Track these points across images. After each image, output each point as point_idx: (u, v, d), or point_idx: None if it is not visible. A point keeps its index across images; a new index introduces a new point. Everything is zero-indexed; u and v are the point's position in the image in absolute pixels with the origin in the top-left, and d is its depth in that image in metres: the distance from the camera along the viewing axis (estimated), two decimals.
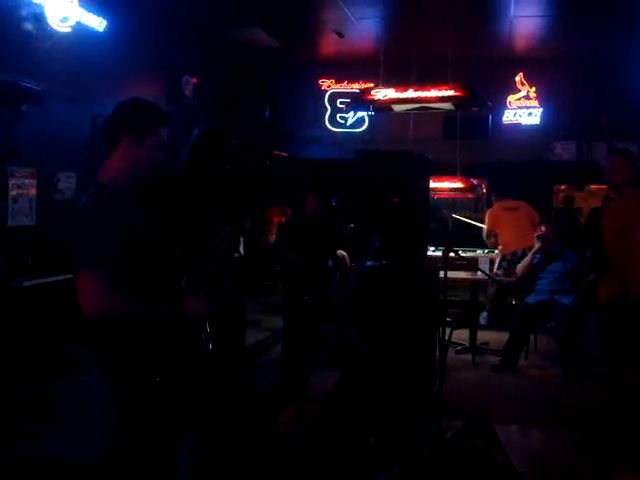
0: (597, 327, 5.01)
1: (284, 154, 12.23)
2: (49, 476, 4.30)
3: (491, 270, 8.91)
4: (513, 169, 11.96)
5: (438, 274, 5.99)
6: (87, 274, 2.54)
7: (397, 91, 8.88)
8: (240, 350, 3.53)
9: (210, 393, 2.86)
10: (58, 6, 7.13)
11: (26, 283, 6.27)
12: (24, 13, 6.94)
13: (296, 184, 6.27)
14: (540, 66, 11.90)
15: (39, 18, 7.03)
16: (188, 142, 3.53)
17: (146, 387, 2.67)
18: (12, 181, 6.84)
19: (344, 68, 12.83)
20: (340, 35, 10.90)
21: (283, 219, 5.93)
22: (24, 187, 6.95)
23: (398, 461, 3.86)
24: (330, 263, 4.75)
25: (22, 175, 6.92)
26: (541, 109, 12.23)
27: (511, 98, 12.30)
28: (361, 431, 4.77)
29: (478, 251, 10.01)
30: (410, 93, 8.82)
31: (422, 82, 8.95)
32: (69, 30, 7.32)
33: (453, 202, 12.90)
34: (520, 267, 7.52)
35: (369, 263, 5.27)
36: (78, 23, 7.42)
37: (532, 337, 7.65)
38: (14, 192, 6.88)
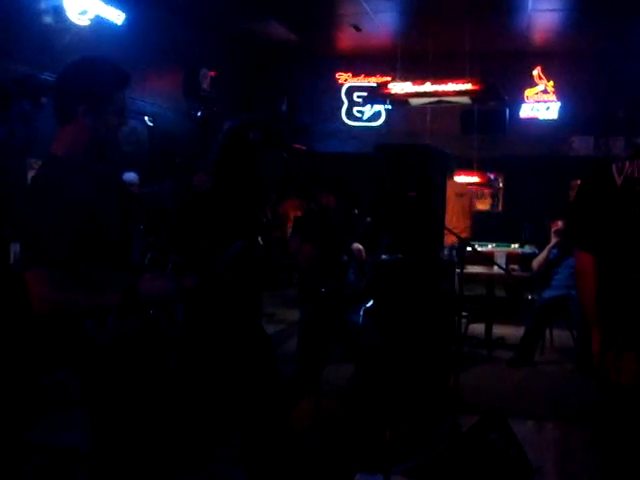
0: None
1: (302, 147, 12.25)
2: (66, 464, 4.34)
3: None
4: (530, 164, 11.94)
5: (454, 268, 6.00)
6: (39, 272, 2.35)
7: (414, 84, 8.87)
8: (263, 339, 3.55)
9: (177, 375, 2.71)
10: None
11: None
12: (43, 6, 7.01)
13: (313, 178, 6.29)
14: (558, 60, 11.84)
15: (58, 11, 7.08)
16: (216, 142, 3.52)
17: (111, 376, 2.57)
18: (31, 173, 6.87)
19: (361, 62, 12.82)
20: (357, 29, 10.89)
21: (299, 213, 5.96)
22: None
23: (413, 455, 3.87)
24: (345, 258, 4.76)
25: None
26: (559, 103, 12.16)
27: (528, 92, 12.25)
28: (376, 425, 4.79)
29: (493, 245, 10.00)
30: (427, 87, 8.81)
31: (439, 76, 8.93)
32: (88, 23, 7.37)
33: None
34: (536, 262, 7.51)
35: (384, 257, 5.29)
36: (97, 16, 7.47)
37: (548, 332, 7.64)
38: None
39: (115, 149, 2.75)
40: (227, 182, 3.42)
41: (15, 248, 6.50)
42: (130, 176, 7.57)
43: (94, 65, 2.56)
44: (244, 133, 3.46)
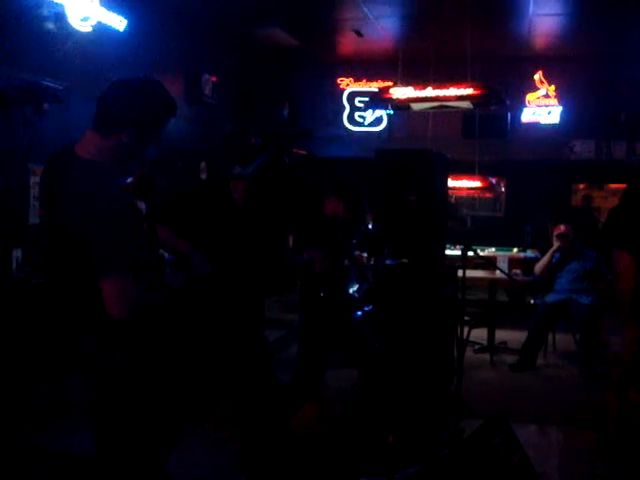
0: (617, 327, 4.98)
1: (302, 152, 12.26)
2: (68, 470, 4.35)
3: None
4: (532, 168, 11.96)
5: (456, 273, 5.99)
6: (121, 277, 2.39)
7: (416, 89, 8.87)
8: (261, 344, 3.56)
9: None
10: (79, 6, 7.19)
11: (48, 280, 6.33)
12: (45, 13, 7.02)
13: (316, 183, 6.30)
14: (559, 64, 11.86)
15: (60, 18, 7.10)
16: (257, 161, 3.54)
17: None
18: (33, 179, 6.89)
19: (362, 67, 12.84)
20: (359, 34, 10.91)
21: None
22: None
23: (416, 460, 3.87)
24: (347, 262, 4.76)
25: None
26: (560, 107, 12.17)
27: (530, 97, 12.26)
28: (379, 430, 4.78)
29: (495, 249, 10.00)
30: (429, 91, 8.81)
31: (441, 80, 8.94)
32: (90, 29, 7.38)
33: (472, 201, 12.88)
34: (539, 266, 7.51)
35: (387, 262, 5.28)
36: (99, 22, 7.48)
37: (550, 336, 7.63)
38: (36, 190, 6.93)
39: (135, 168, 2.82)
40: (257, 202, 3.44)
41: (16, 254, 6.52)
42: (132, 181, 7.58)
43: (154, 91, 2.56)
44: (282, 159, 3.50)
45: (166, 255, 3.26)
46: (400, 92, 9.01)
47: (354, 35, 10.99)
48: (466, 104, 8.85)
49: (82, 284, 2.47)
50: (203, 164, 10.29)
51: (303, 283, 4.86)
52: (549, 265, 7.36)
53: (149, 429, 2.92)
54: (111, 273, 2.38)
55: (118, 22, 7.81)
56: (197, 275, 3.16)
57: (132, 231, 2.45)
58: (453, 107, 9.11)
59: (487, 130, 11.51)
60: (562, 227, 7.39)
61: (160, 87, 2.58)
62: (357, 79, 13.17)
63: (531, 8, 9.41)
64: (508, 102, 10.04)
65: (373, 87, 12.80)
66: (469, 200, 12.99)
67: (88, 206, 2.35)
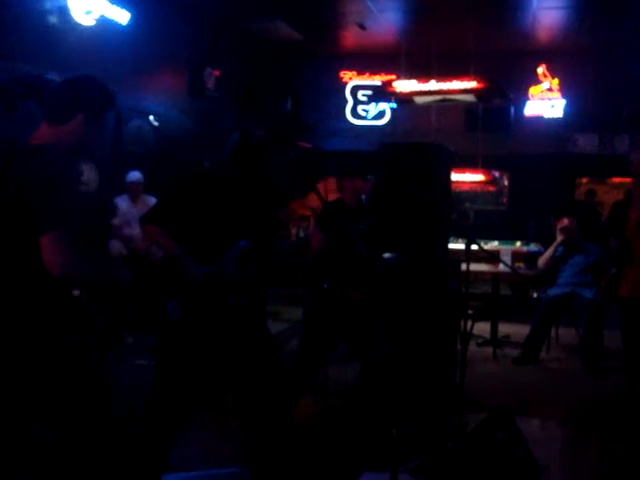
0: (619, 321, 4.99)
1: (307, 145, 12.26)
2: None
3: None
4: (535, 161, 11.94)
5: (460, 266, 5.99)
6: (57, 234, 2.61)
7: (419, 83, 8.89)
8: (265, 335, 3.57)
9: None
10: None
11: None
12: (48, 6, 7.02)
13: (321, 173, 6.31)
14: (563, 58, 11.83)
15: (63, 11, 7.11)
16: (227, 144, 3.55)
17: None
18: None
19: (365, 60, 12.82)
20: (362, 27, 10.90)
21: (307, 211, 5.93)
22: None
23: (420, 453, 3.88)
24: (362, 250, 4.72)
25: None
26: (563, 101, 12.14)
27: (533, 90, 12.23)
28: (382, 423, 4.79)
29: (498, 243, 9.99)
30: (432, 85, 8.82)
31: (444, 74, 8.94)
32: (93, 23, 7.38)
33: (475, 195, 12.87)
34: (542, 259, 7.50)
35: (388, 255, 5.26)
36: (102, 16, 7.48)
37: (553, 330, 7.63)
38: None
39: (86, 156, 3.23)
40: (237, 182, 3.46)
41: None
42: (135, 175, 7.59)
43: (99, 84, 2.94)
44: (251, 134, 3.50)
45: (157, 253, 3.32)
46: (403, 85, 9.02)
47: (357, 28, 10.97)
48: (469, 97, 8.87)
49: (25, 252, 2.66)
50: (206, 158, 10.29)
51: (307, 273, 4.82)
52: (552, 259, 7.36)
53: (148, 421, 2.98)
54: (48, 229, 2.60)
55: (121, 16, 7.82)
56: (191, 279, 3.21)
57: (70, 197, 2.71)
58: (456, 100, 9.11)
59: (490, 124, 11.49)
60: (565, 221, 7.38)
61: (102, 83, 2.96)
62: (360, 72, 13.15)
63: (535, 1, 9.39)
64: (511, 96, 10.03)
65: (376, 81, 12.78)
66: (472, 194, 12.96)
67: (29, 174, 2.66)
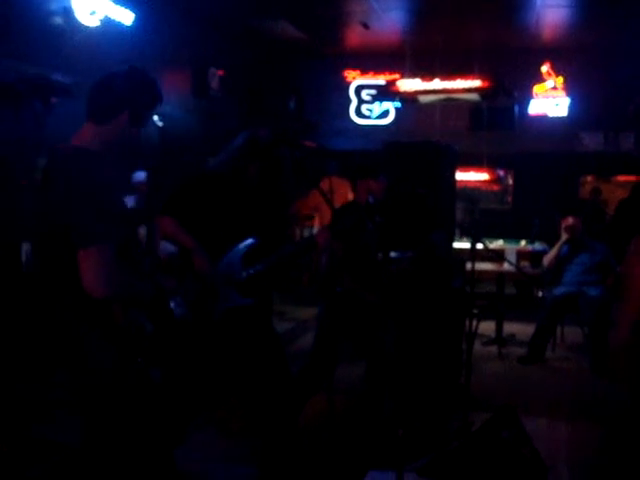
0: None
1: (312, 145, 12.24)
2: (80, 463, 4.37)
3: None
4: (539, 160, 11.92)
5: (464, 265, 5.99)
6: (99, 249, 2.36)
7: (423, 82, 8.88)
8: (272, 336, 3.57)
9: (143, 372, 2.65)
10: (86, 0, 7.20)
11: None
12: (53, 7, 7.03)
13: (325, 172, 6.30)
14: (567, 56, 11.79)
15: (67, 12, 7.11)
16: (233, 145, 3.56)
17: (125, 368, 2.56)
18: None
19: (369, 59, 12.80)
20: (365, 26, 10.87)
21: (311, 211, 5.93)
22: None
23: (425, 453, 3.87)
24: (380, 256, 4.74)
25: None
26: (568, 99, 12.10)
27: (537, 89, 12.19)
28: (388, 422, 4.79)
29: (503, 242, 9.98)
30: (436, 84, 8.82)
31: (448, 73, 8.93)
32: (97, 24, 7.39)
33: (479, 193, 12.85)
34: (547, 258, 7.50)
35: (394, 254, 5.27)
36: (106, 17, 7.49)
37: (559, 329, 7.62)
38: None
39: (133, 156, 2.94)
40: (241, 181, 3.47)
41: (26, 248, 6.54)
42: (139, 175, 7.59)
43: (147, 80, 2.75)
44: (260, 135, 3.51)
45: (172, 247, 3.28)
46: (407, 84, 9.02)
47: (361, 28, 10.95)
48: (473, 96, 8.86)
49: (66, 266, 2.43)
50: (210, 158, 10.29)
51: (324, 274, 4.82)
52: (557, 257, 7.35)
53: (153, 424, 2.93)
54: (89, 244, 2.36)
55: (126, 16, 7.82)
56: (199, 273, 3.19)
57: (112, 210, 2.45)
58: (460, 99, 9.10)
59: (495, 122, 11.46)
60: (570, 219, 7.37)
61: (150, 79, 2.77)
62: (364, 72, 13.12)
63: (538, 0, 9.38)
64: (516, 94, 10.01)
65: (380, 80, 12.76)
66: (477, 192, 12.94)
67: (70, 182, 2.44)
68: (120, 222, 2.48)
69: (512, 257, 8.38)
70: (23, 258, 6.51)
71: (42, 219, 2.55)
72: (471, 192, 12.24)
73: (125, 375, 2.54)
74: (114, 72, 2.72)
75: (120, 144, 2.69)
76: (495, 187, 12.54)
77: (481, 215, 12.36)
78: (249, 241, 3.38)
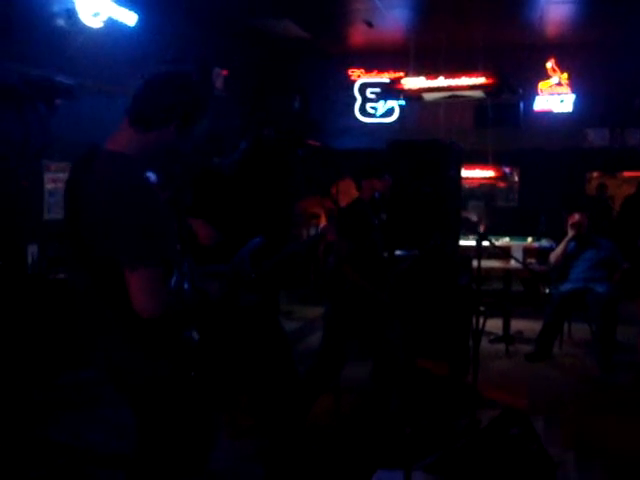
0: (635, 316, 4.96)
1: (316, 144, 12.23)
2: (84, 463, 4.37)
3: None
4: (545, 156, 11.89)
5: (471, 263, 5.98)
6: (149, 271, 2.24)
7: (427, 79, 8.85)
8: (280, 335, 3.58)
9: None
10: (89, 1, 7.20)
11: (63, 275, 6.37)
12: (56, 9, 7.03)
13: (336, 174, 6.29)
14: (572, 52, 11.75)
15: (71, 13, 7.11)
16: (240, 146, 3.58)
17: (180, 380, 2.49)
18: (48, 175, 6.94)
19: (373, 58, 12.78)
20: (369, 25, 10.85)
21: (319, 210, 5.94)
22: (59, 181, 7.03)
23: (433, 450, 3.87)
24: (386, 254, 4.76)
25: (57, 169, 7.00)
26: (573, 95, 12.06)
27: (542, 85, 12.16)
28: (396, 421, 4.79)
29: (509, 239, 9.97)
30: (440, 81, 8.79)
31: (452, 70, 8.91)
32: (101, 25, 7.39)
33: (486, 191, 12.81)
34: (554, 255, 7.48)
35: (399, 252, 5.27)
36: (109, 18, 7.49)
37: (566, 326, 7.60)
38: (50, 186, 6.97)
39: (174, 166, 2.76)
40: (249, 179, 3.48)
41: (32, 250, 6.56)
42: (150, 177, 7.61)
43: (196, 86, 2.51)
44: (265, 137, 3.54)
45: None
46: (412, 82, 9.00)
47: (365, 26, 10.93)
48: (478, 93, 8.82)
49: (108, 284, 2.32)
50: (216, 158, 10.29)
51: (332, 273, 4.82)
52: (564, 254, 7.33)
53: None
54: (138, 266, 2.23)
55: (129, 17, 7.81)
56: (237, 274, 3.15)
57: (161, 224, 2.30)
58: (465, 97, 9.08)
59: (500, 119, 11.43)
60: (576, 216, 7.35)
61: (200, 83, 2.56)
62: (368, 70, 13.11)
63: None
64: (521, 91, 9.98)
65: (384, 78, 12.74)
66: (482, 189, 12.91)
67: (112, 197, 2.24)
68: (167, 237, 2.35)
69: (519, 254, 8.37)
70: (29, 260, 6.52)
71: (75, 229, 2.36)
72: (487, 190, 12.21)
73: (179, 390, 2.47)
74: (164, 75, 2.49)
75: (157, 154, 2.48)
76: (501, 184, 12.49)
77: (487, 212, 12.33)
78: (256, 240, 3.37)
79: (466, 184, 10.79)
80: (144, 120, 2.40)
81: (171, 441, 2.58)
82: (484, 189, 12.21)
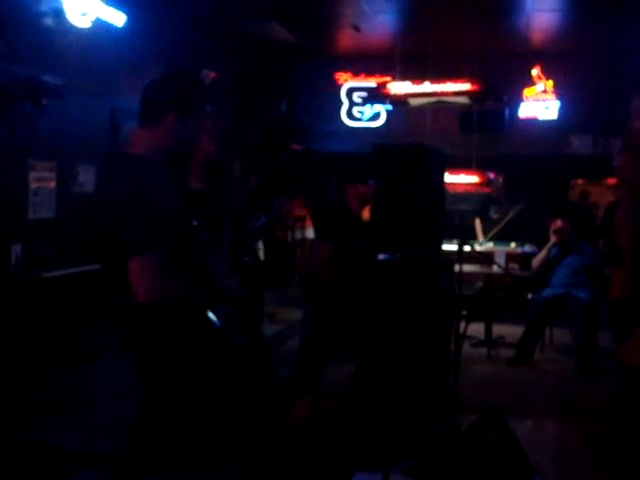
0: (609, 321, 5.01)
1: (299, 147, 12.26)
2: (67, 465, 4.37)
3: None
4: (529, 163, 11.96)
5: (453, 268, 6.01)
6: (144, 259, 2.45)
7: (413, 84, 8.91)
8: (258, 339, 3.59)
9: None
10: (78, 1, 7.19)
11: (46, 275, 6.36)
12: (44, 8, 7.02)
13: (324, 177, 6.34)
14: (557, 59, 11.84)
15: (59, 13, 7.10)
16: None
17: (187, 368, 2.65)
18: (32, 174, 6.92)
19: (360, 62, 12.83)
20: (356, 29, 10.90)
21: (303, 213, 5.96)
22: (44, 180, 7.03)
23: (413, 454, 3.90)
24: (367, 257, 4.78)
25: (42, 168, 7.00)
26: (558, 103, 12.14)
27: (528, 92, 12.23)
28: (375, 423, 4.81)
29: (493, 244, 10.02)
30: (426, 86, 8.85)
31: (438, 76, 8.96)
32: (88, 25, 7.38)
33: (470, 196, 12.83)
34: (536, 261, 7.54)
35: (382, 257, 5.30)
36: (97, 18, 7.48)
37: (548, 331, 7.66)
38: (34, 185, 6.96)
39: (187, 159, 3.05)
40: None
41: (16, 249, 6.54)
42: None
43: (190, 76, 2.79)
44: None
45: None
46: (398, 87, 9.05)
47: (352, 30, 10.97)
48: (464, 99, 8.89)
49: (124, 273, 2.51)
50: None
51: (309, 276, 4.85)
52: (546, 260, 7.39)
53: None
54: (135, 254, 2.45)
55: (117, 18, 7.81)
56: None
57: (168, 219, 2.52)
58: (451, 102, 9.13)
59: (485, 125, 11.47)
60: (559, 222, 7.42)
61: (195, 74, 2.84)
62: (355, 74, 13.15)
63: (529, 3, 9.43)
64: (506, 97, 10.05)
65: (371, 82, 12.79)
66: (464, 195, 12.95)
67: (124, 190, 2.51)
68: (171, 230, 2.53)
69: (501, 259, 8.42)
70: (12, 260, 6.51)
71: (97, 227, 2.66)
72: (487, 196, 12.22)
73: (190, 374, 2.65)
74: (161, 75, 2.76)
75: (170, 148, 2.72)
76: (485, 189, 12.53)
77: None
78: (226, 237, 3.41)
79: (480, 190, 10.88)
80: (145, 117, 2.70)
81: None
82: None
